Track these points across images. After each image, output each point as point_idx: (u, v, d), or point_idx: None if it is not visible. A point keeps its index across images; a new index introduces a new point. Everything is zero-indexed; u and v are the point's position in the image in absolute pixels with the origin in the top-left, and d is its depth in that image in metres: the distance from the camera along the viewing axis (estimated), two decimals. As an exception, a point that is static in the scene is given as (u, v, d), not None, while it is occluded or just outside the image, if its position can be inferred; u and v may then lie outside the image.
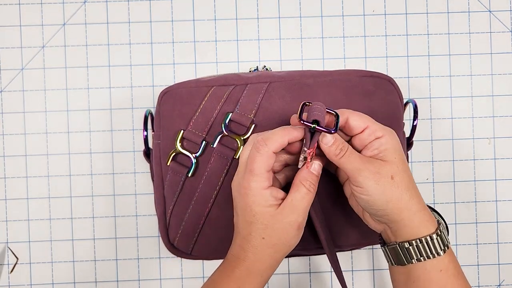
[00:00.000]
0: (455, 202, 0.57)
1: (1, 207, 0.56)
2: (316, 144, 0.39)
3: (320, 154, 0.41)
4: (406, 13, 0.58)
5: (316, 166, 0.40)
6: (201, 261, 0.56)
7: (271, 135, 0.39)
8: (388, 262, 0.43)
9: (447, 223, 0.54)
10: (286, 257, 0.44)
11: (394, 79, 0.51)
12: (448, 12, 0.58)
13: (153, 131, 0.50)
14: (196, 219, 0.47)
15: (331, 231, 0.47)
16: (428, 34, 0.58)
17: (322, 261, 0.57)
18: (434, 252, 0.39)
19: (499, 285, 0.57)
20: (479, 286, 0.57)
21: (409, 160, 0.56)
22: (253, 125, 0.47)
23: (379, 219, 0.41)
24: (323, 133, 0.39)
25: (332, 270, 0.55)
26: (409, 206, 0.39)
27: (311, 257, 0.57)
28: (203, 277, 0.56)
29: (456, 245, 0.57)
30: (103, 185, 0.56)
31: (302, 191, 0.40)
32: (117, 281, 0.56)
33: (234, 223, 0.42)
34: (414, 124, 0.49)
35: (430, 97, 0.57)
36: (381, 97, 0.48)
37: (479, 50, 0.58)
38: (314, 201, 0.42)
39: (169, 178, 0.48)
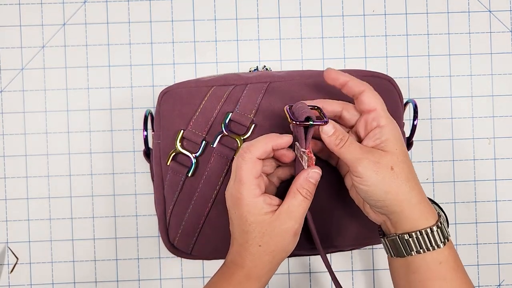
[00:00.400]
0: (455, 202, 0.57)
1: (1, 207, 0.56)
2: (310, 143, 0.39)
3: (321, 147, 0.41)
4: (406, 13, 0.58)
5: (314, 174, 0.40)
6: (201, 261, 0.56)
7: (254, 141, 0.40)
8: (387, 253, 0.43)
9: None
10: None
11: (394, 79, 0.51)
12: (448, 12, 0.58)
13: (153, 131, 0.50)
14: (196, 219, 0.47)
15: (330, 231, 0.47)
16: (428, 34, 0.58)
17: (322, 261, 0.57)
18: (434, 244, 0.39)
19: (499, 285, 0.57)
20: (479, 286, 0.57)
21: (409, 160, 0.56)
22: (253, 125, 0.47)
23: (379, 210, 0.41)
24: (321, 126, 0.39)
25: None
26: (408, 198, 0.39)
27: (311, 257, 0.57)
28: (203, 277, 0.56)
29: (456, 245, 0.57)
30: (103, 185, 0.56)
31: (299, 198, 0.40)
32: (117, 281, 0.56)
33: (230, 230, 0.42)
34: (414, 124, 0.49)
35: (430, 97, 0.57)
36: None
37: (479, 50, 0.58)
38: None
39: (169, 178, 0.48)
